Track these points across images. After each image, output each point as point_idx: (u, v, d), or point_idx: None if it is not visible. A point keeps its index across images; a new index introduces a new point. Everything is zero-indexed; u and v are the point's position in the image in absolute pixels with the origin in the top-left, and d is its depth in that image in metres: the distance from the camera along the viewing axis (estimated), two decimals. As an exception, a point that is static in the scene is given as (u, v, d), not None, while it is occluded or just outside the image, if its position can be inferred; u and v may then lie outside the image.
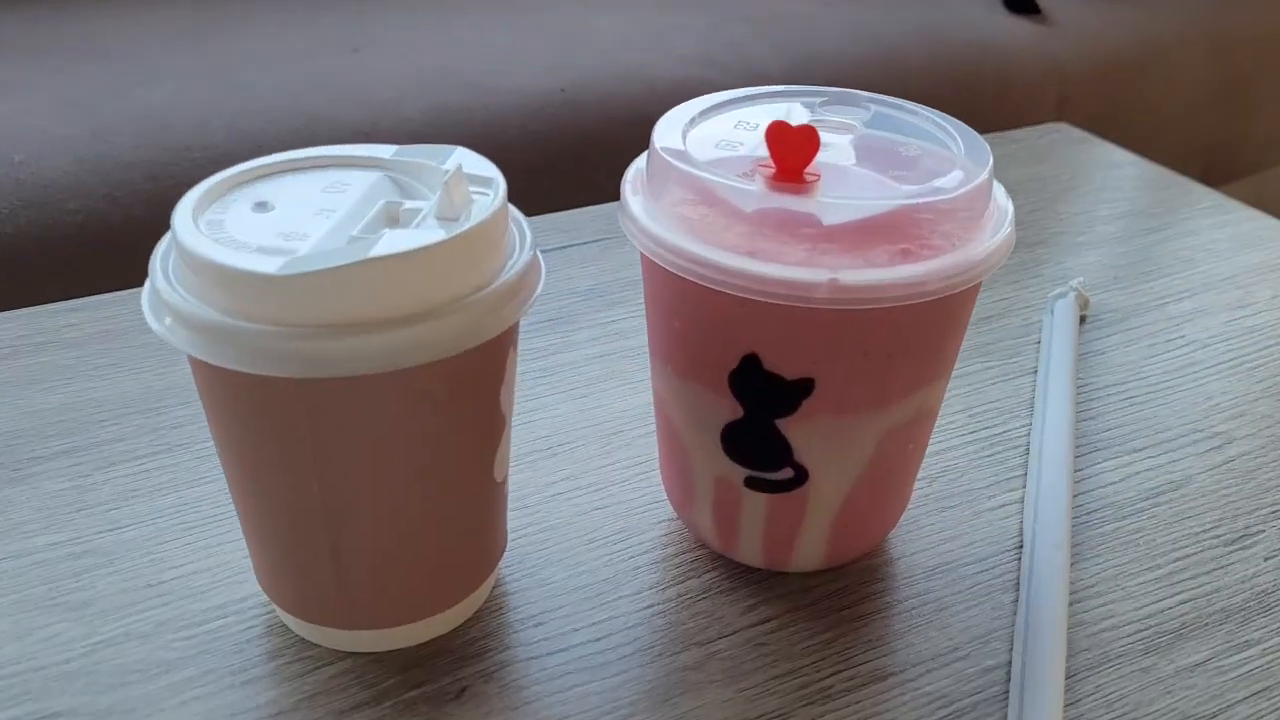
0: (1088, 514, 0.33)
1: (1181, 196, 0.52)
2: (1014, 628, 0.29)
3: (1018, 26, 0.78)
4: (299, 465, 0.24)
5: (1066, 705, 0.27)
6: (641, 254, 0.27)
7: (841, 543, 0.29)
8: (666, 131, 0.28)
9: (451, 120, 0.61)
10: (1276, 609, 0.30)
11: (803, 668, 0.28)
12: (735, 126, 0.28)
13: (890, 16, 0.77)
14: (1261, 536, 0.32)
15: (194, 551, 0.30)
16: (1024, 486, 0.34)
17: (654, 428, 0.32)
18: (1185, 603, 0.30)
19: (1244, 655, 0.28)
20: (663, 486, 0.32)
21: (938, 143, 0.28)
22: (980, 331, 0.41)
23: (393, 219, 0.25)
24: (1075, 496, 0.33)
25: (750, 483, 0.28)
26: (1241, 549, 0.32)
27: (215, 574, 0.30)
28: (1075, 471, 0.34)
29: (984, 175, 0.26)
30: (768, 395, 0.26)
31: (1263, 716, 0.27)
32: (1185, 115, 0.85)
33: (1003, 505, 0.33)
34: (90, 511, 0.32)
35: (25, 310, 0.41)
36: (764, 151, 0.26)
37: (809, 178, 0.25)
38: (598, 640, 0.28)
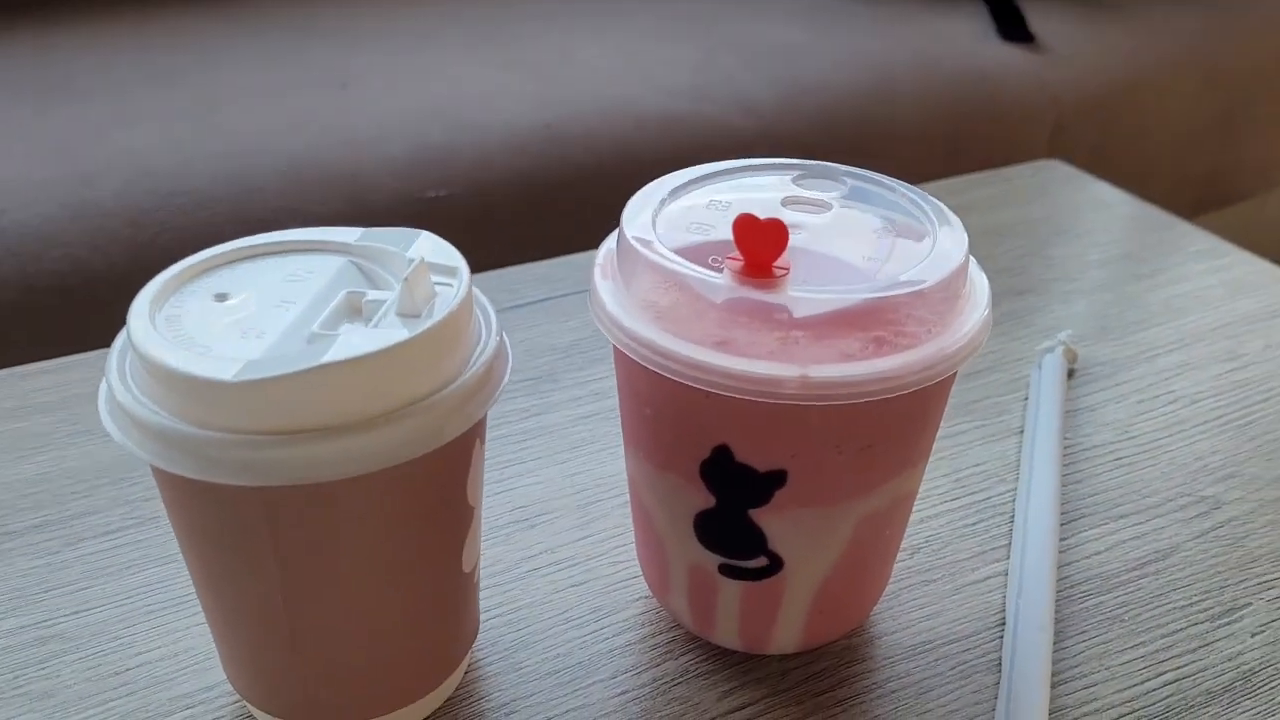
0: (1072, 586, 0.32)
1: (1174, 239, 0.52)
2: (995, 712, 0.28)
3: (1011, 55, 0.77)
4: (260, 566, 0.24)
5: (1047, 799, 0.26)
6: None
7: (820, 626, 0.29)
8: (637, 213, 0.27)
9: (436, 159, 0.61)
10: (1263, 690, 0.29)
11: (779, 759, 0.27)
12: (708, 206, 0.28)
13: (882, 44, 0.76)
14: (1248, 610, 0.32)
15: (162, 636, 0.30)
16: (1008, 558, 0.33)
17: (628, 511, 0.31)
18: (1170, 684, 0.29)
19: (1230, 742, 0.28)
20: (640, 571, 0.31)
21: (914, 218, 0.28)
22: (966, 389, 0.40)
23: (355, 310, 0.24)
24: (1061, 568, 0.33)
25: (725, 570, 0.27)
26: (1228, 623, 0.31)
27: (181, 660, 0.29)
28: (1061, 540, 0.34)
29: (960, 259, 0.26)
30: (740, 486, 0.26)
31: (1248, 810, 0.26)
32: (1180, 142, 0.85)
33: (986, 579, 0.32)
34: (60, 591, 0.31)
35: (-1, 372, 0.40)
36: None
37: (778, 271, 0.24)
38: (570, 730, 0.28)
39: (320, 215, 0.58)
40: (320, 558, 0.24)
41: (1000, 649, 0.30)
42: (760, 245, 0.24)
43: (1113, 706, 0.29)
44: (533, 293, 0.46)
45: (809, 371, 0.23)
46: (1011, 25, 0.79)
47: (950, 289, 0.25)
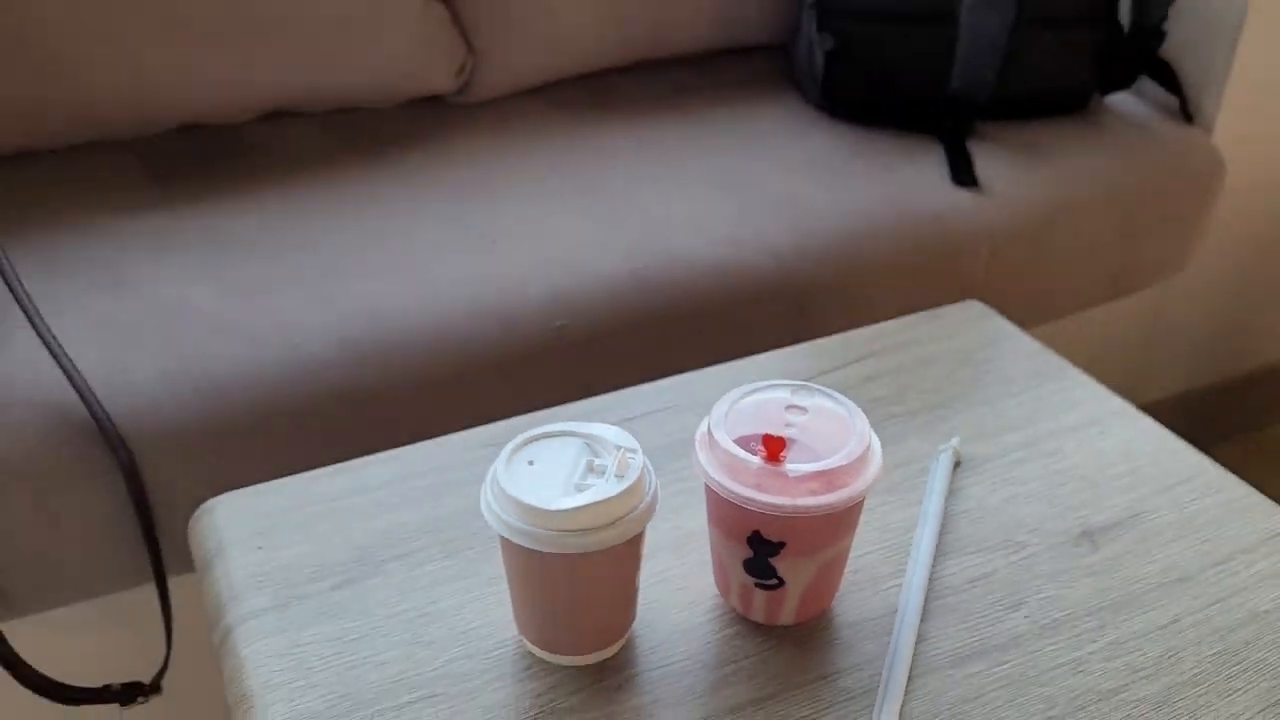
0: (935, 592, 0.62)
1: (1036, 366, 0.81)
2: (887, 652, 0.58)
3: (960, 196, 1.07)
4: (555, 591, 0.54)
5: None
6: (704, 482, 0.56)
7: (804, 611, 0.59)
8: (720, 407, 0.57)
9: (561, 297, 0.90)
10: (1068, 628, 0.59)
11: (800, 668, 0.57)
12: (754, 407, 0.58)
13: (866, 193, 1.05)
14: (1025, 605, 0.61)
15: (493, 608, 0.60)
16: (904, 575, 0.63)
17: (709, 551, 0.61)
18: (976, 640, 0.59)
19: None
20: (714, 582, 0.62)
21: (847, 413, 0.57)
22: (891, 474, 0.70)
23: (593, 470, 0.54)
24: (931, 581, 0.63)
25: (757, 585, 0.58)
26: (1014, 609, 0.61)
27: (499, 621, 0.60)
28: (934, 565, 0.64)
29: (867, 433, 0.56)
30: (763, 548, 0.56)
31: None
32: (1091, 251, 1.14)
33: (890, 586, 0.62)
34: (440, 585, 0.62)
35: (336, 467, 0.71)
36: (770, 428, 0.55)
37: (781, 457, 0.54)
38: (679, 663, 0.58)
39: (487, 340, 0.88)
40: (585, 588, 0.54)
41: (894, 621, 0.60)
42: (773, 449, 0.54)
43: (953, 650, 0.59)
44: (645, 406, 0.75)
45: (796, 501, 0.53)
46: (962, 173, 1.08)
47: (862, 457, 0.55)
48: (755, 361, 0.80)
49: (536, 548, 0.52)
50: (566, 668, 0.57)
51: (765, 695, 0.56)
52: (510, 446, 0.55)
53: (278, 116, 1.11)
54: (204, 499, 0.69)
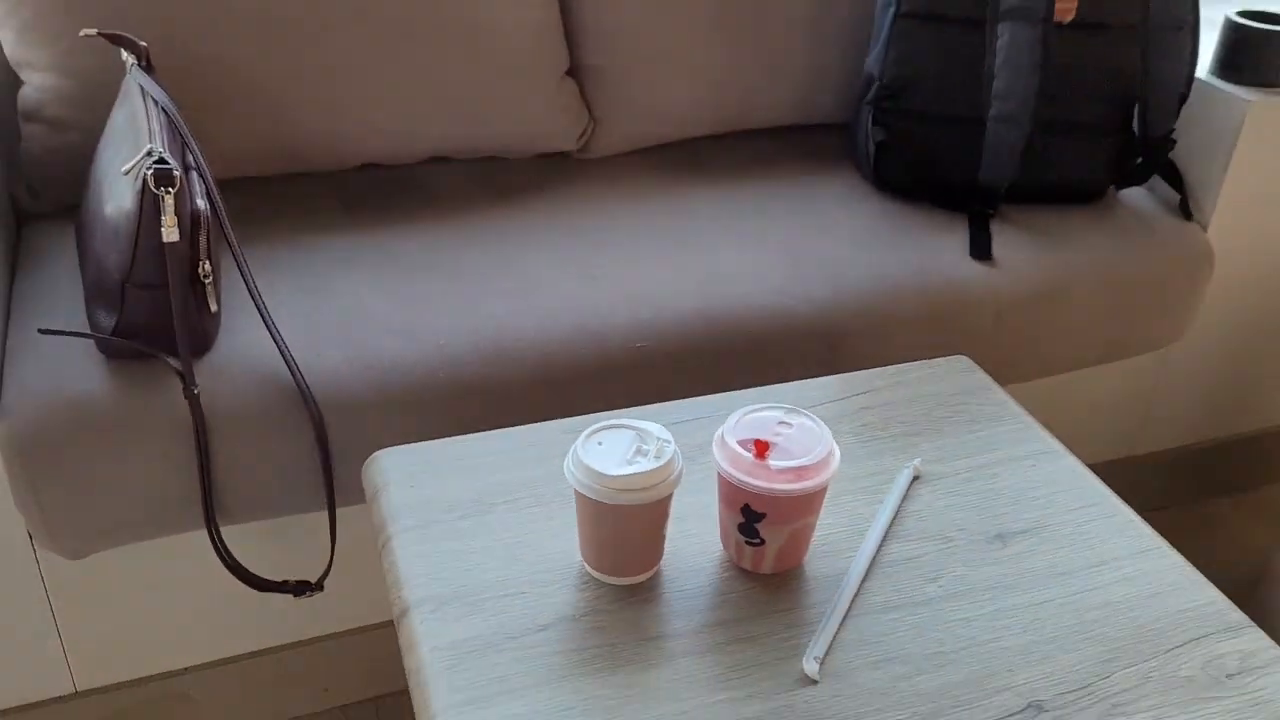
0: (877, 565, 0.87)
1: (990, 409, 1.05)
2: (831, 602, 0.84)
3: (975, 268, 1.31)
4: (605, 529, 0.81)
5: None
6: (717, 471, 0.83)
7: (781, 563, 0.85)
8: (732, 419, 0.83)
9: (642, 323, 1.18)
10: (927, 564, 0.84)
11: (770, 602, 0.83)
12: (753, 418, 0.84)
13: (895, 257, 1.30)
14: (947, 575, 0.86)
15: (564, 545, 0.88)
16: (857, 550, 0.88)
17: (717, 517, 0.87)
18: (892, 595, 0.84)
19: (912, 617, 0.83)
20: (719, 539, 0.88)
21: (819, 430, 0.83)
22: (864, 480, 0.95)
23: (640, 452, 0.81)
24: (875, 556, 0.88)
25: (746, 543, 0.84)
26: (936, 581, 0.86)
27: (571, 555, 0.87)
28: (881, 546, 0.89)
29: (831, 445, 0.82)
30: (751, 517, 0.82)
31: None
32: (1088, 323, 1.36)
33: (848, 557, 0.88)
34: (534, 528, 0.89)
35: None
36: (763, 435, 0.81)
37: (767, 454, 0.80)
38: (688, 589, 0.85)
39: (582, 352, 1.16)
40: (627, 530, 0.81)
41: (843, 579, 0.86)
42: (760, 448, 0.80)
43: (881, 603, 0.84)
44: (689, 413, 1.02)
45: (775, 485, 0.80)
46: (980, 248, 1.32)
47: (826, 456, 0.81)
48: (781, 388, 1.06)
49: (598, 499, 0.80)
50: (612, 585, 0.85)
51: (744, 616, 0.83)
52: (586, 432, 0.83)
53: (438, 161, 1.41)
54: (371, 452, 0.98)
